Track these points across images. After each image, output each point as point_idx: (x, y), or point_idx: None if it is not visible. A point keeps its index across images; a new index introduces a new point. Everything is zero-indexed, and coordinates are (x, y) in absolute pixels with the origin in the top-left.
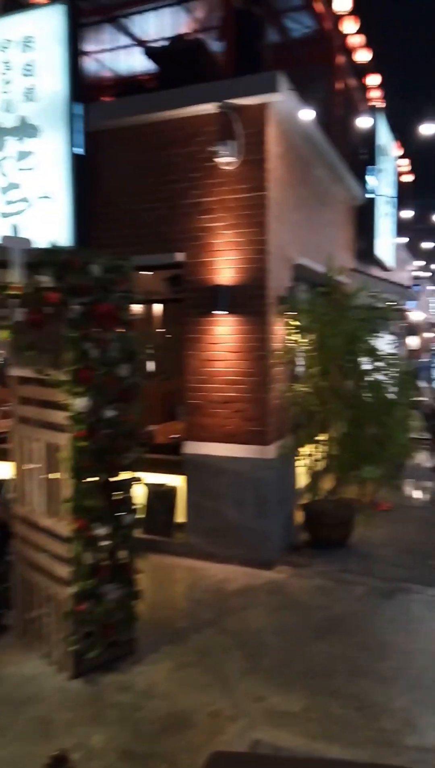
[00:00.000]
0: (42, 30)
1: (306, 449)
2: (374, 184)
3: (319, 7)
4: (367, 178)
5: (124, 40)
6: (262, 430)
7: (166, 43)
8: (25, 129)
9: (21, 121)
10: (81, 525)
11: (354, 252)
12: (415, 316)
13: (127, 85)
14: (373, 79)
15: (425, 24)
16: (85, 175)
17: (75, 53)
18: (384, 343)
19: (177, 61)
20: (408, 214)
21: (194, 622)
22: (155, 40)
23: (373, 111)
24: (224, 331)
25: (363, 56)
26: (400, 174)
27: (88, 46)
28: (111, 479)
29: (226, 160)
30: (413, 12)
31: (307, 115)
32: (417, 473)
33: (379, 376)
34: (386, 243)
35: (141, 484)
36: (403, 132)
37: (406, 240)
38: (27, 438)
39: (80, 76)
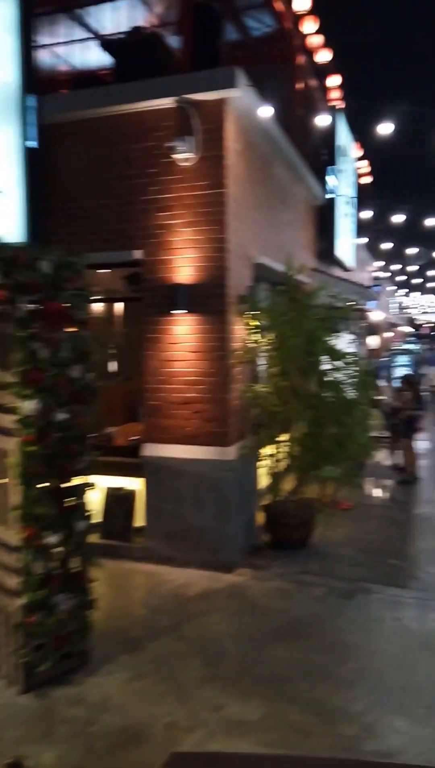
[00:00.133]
0: None
1: (267, 450)
2: (334, 184)
3: (278, 5)
4: (327, 178)
5: (81, 33)
6: (222, 431)
7: (123, 35)
8: None
9: None
10: (31, 533)
11: (315, 252)
12: (375, 316)
13: (83, 79)
14: (333, 80)
15: (385, 27)
16: (40, 169)
17: (27, 43)
18: (344, 342)
19: (134, 54)
20: (367, 214)
21: (152, 629)
22: (112, 34)
23: (333, 111)
24: (184, 331)
25: (323, 56)
26: (359, 175)
27: (43, 38)
28: (63, 485)
29: (184, 156)
30: (373, 15)
31: (266, 112)
32: (378, 471)
33: (339, 376)
34: (346, 243)
35: (95, 490)
36: (362, 133)
37: (365, 240)
38: None
39: (33, 67)
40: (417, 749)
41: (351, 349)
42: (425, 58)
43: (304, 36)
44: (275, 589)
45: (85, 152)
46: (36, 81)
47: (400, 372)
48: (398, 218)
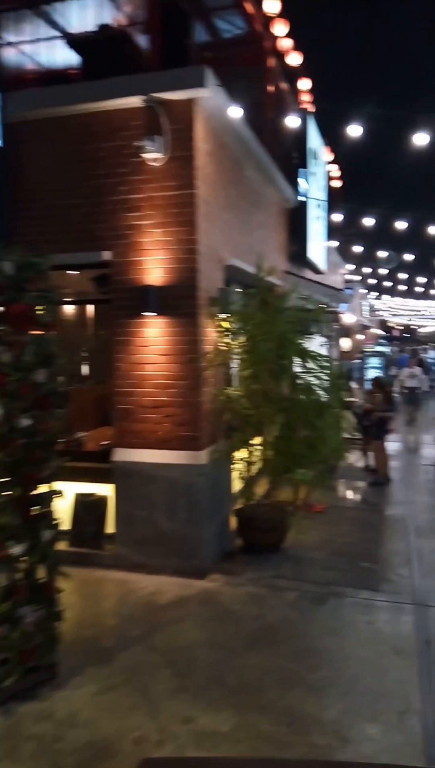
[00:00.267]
0: None
1: (240, 454)
2: (305, 186)
3: (249, 7)
4: (299, 180)
5: (47, 31)
6: (194, 435)
7: (90, 33)
8: None
9: None
10: None
11: (287, 254)
12: (347, 318)
13: (50, 77)
14: (304, 83)
15: (355, 31)
16: (5, 167)
17: None
18: (316, 345)
19: (102, 52)
20: (338, 218)
21: (122, 639)
22: (80, 32)
23: (303, 114)
24: (154, 333)
25: (294, 59)
26: (330, 179)
27: (8, 35)
28: (28, 493)
29: (153, 155)
30: (344, 19)
31: (236, 112)
32: (350, 473)
33: (311, 379)
34: (318, 246)
35: (62, 498)
36: (332, 138)
37: (337, 244)
38: None
39: None
40: (389, 756)
41: (323, 351)
42: (394, 63)
43: (275, 39)
44: (248, 594)
45: (53, 151)
46: (1, 79)
47: (371, 374)
48: (368, 221)
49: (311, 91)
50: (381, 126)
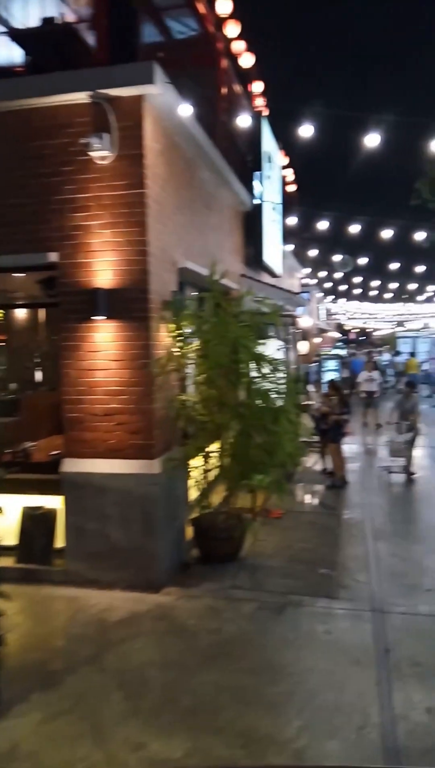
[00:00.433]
0: None
1: (195, 461)
2: (260, 189)
3: (201, 7)
4: (254, 183)
5: None
6: (147, 443)
7: (35, 27)
8: None
9: None
10: None
11: (243, 258)
12: (304, 322)
13: None
14: (257, 86)
15: (307, 35)
16: None
17: None
18: (272, 349)
19: (47, 47)
20: (294, 222)
21: (70, 661)
22: (23, 27)
23: (257, 117)
24: (104, 338)
25: (246, 61)
26: (285, 183)
27: None
28: None
29: (100, 153)
30: (296, 23)
31: (186, 110)
32: (307, 477)
33: (266, 384)
34: (274, 250)
35: (3, 515)
36: (286, 143)
37: (292, 248)
38: None
39: None
40: None
41: (279, 355)
42: (348, 66)
43: (228, 40)
44: (204, 607)
45: None
46: None
47: (328, 377)
48: (323, 225)
49: (264, 94)
50: (334, 129)
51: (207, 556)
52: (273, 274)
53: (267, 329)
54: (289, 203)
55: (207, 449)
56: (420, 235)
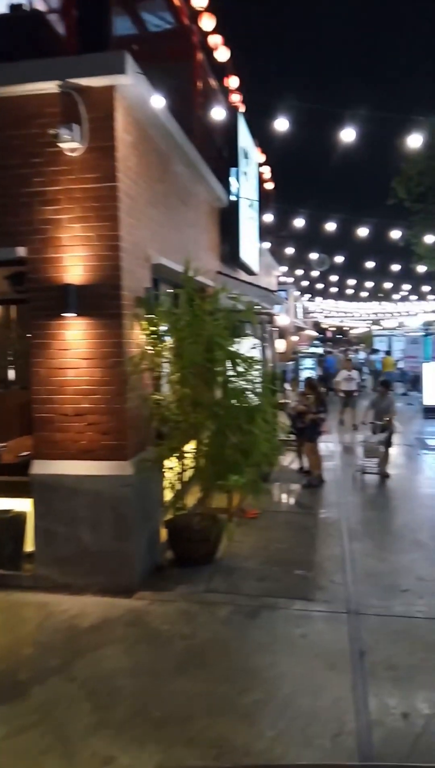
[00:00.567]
0: None
1: (169, 462)
2: (237, 186)
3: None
4: (230, 179)
5: None
6: (119, 443)
7: (2, 12)
8: None
9: None
10: None
11: (219, 255)
12: (282, 320)
13: None
14: (233, 81)
15: (284, 31)
16: None
17: None
18: (248, 347)
19: (14, 34)
20: (270, 219)
21: (38, 671)
22: None
23: (233, 112)
24: (75, 336)
25: (222, 55)
26: (262, 181)
27: None
28: None
29: (70, 145)
30: (274, 21)
31: (160, 102)
32: (284, 476)
33: (242, 382)
34: (251, 247)
35: None
36: (263, 140)
37: (269, 245)
38: None
39: None
40: None
41: (255, 353)
42: (323, 61)
43: (203, 33)
44: (178, 612)
45: None
46: None
47: (305, 375)
48: (299, 222)
49: (240, 90)
50: (310, 127)
51: (182, 558)
52: (250, 272)
53: (243, 327)
54: (265, 200)
55: (181, 449)
56: (396, 234)
